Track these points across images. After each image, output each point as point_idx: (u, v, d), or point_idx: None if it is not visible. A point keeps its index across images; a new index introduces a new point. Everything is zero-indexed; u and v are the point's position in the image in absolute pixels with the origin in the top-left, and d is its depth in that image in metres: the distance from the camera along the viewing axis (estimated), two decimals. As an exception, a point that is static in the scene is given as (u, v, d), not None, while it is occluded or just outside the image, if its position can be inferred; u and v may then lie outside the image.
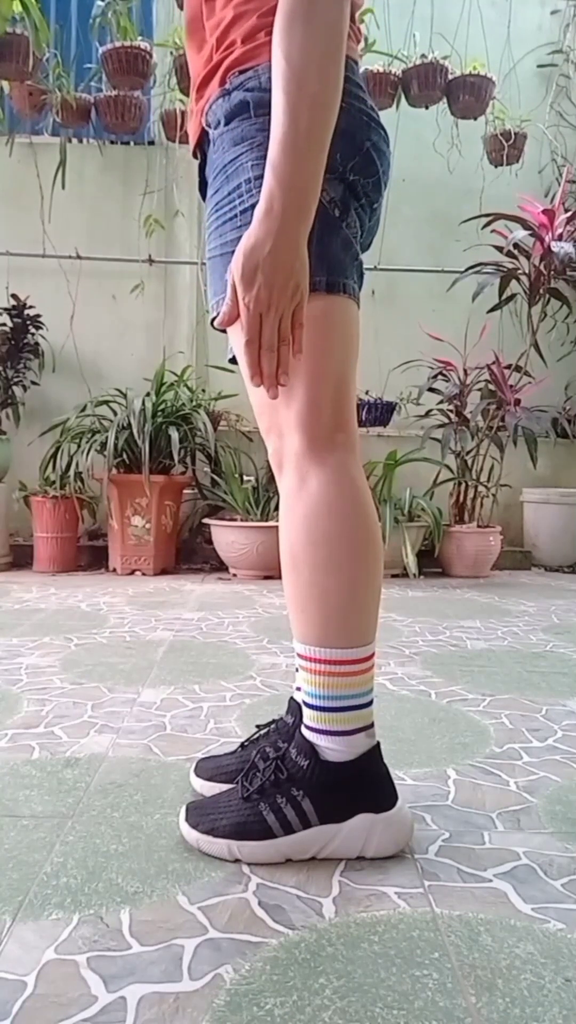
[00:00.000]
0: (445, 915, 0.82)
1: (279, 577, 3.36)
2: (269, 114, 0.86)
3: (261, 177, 0.88)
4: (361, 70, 0.99)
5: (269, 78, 0.87)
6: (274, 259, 0.83)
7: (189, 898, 0.84)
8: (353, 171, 0.94)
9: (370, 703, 0.96)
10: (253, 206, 0.89)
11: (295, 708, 1.02)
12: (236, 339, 0.97)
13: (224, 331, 1.00)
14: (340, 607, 0.93)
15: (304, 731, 0.95)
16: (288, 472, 0.96)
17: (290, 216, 0.83)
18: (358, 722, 0.94)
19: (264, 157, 0.87)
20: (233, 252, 0.91)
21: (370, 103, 0.97)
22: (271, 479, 3.57)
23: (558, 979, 0.71)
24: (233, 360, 1.07)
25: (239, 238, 0.90)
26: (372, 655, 0.96)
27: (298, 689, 1.01)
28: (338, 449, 0.95)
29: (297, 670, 0.98)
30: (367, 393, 3.90)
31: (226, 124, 0.95)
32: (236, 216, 0.93)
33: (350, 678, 0.93)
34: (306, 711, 0.95)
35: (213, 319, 0.99)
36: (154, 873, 0.89)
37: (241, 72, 0.94)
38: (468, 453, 3.61)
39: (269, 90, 0.86)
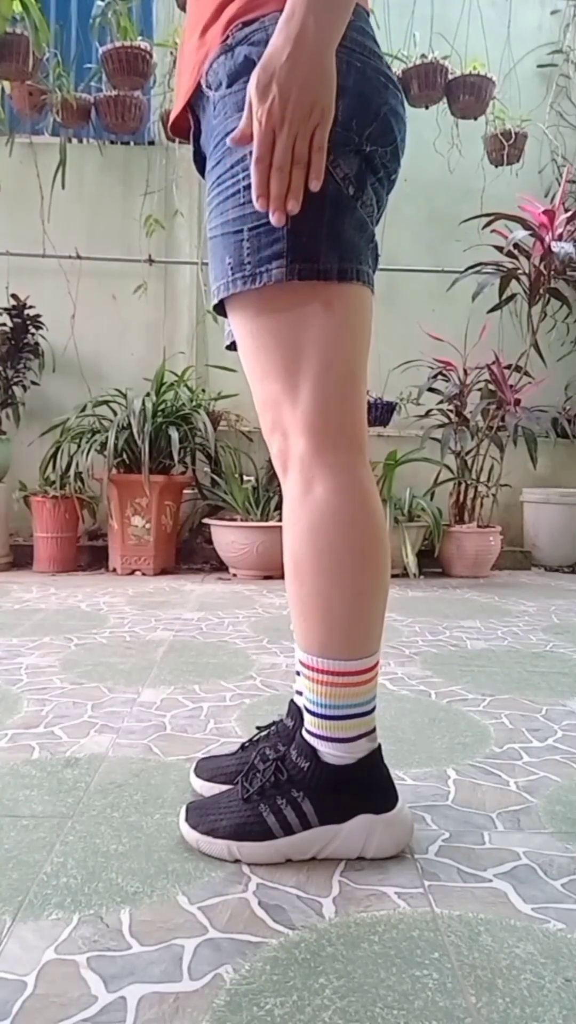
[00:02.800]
0: (445, 915, 0.82)
1: (279, 577, 3.37)
2: None
3: None
4: None
5: None
6: (290, 69, 0.76)
7: (189, 898, 0.84)
8: (370, 140, 0.85)
9: (372, 710, 0.95)
10: None
11: (295, 711, 1.02)
12: (235, 319, 0.92)
13: (224, 315, 0.95)
14: (344, 618, 0.90)
15: (305, 735, 0.95)
16: (293, 475, 0.91)
17: (310, 23, 0.75)
18: (360, 729, 0.93)
19: None
20: (236, 232, 0.86)
21: (385, 61, 0.88)
22: (271, 479, 3.57)
23: (558, 979, 0.71)
24: (231, 347, 1.03)
25: (242, 216, 0.85)
26: (376, 664, 0.94)
27: (299, 693, 1.01)
28: (346, 451, 0.90)
29: (298, 673, 0.98)
30: (368, 393, 3.90)
31: (228, 86, 0.86)
32: (239, 192, 0.86)
33: (353, 688, 0.92)
34: (307, 717, 0.94)
35: (215, 306, 0.94)
36: (154, 873, 0.89)
37: (245, 24, 0.84)
38: (468, 453, 3.61)
39: None
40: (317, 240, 0.84)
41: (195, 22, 0.92)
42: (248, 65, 0.84)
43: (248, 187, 0.84)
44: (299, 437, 0.90)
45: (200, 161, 0.99)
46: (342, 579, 0.90)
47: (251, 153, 0.82)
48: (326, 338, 0.87)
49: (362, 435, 0.93)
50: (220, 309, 0.95)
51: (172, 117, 1.00)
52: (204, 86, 0.91)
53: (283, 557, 0.95)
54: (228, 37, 0.86)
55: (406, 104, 0.92)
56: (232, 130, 0.85)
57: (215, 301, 0.94)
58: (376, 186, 0.89)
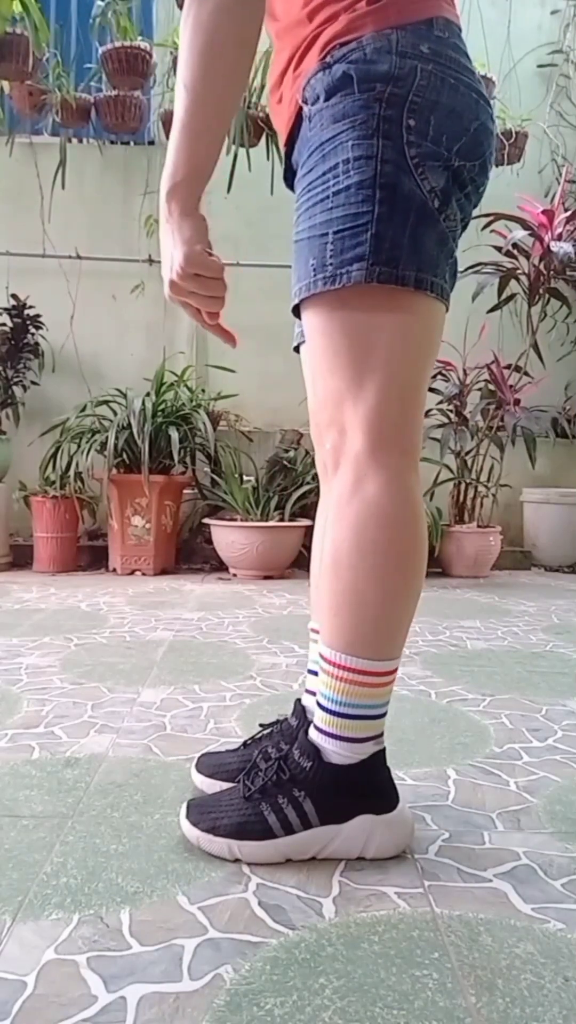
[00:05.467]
0: (445, 915, 0.82)
1: (279, 577, 3.37)
2: (373, 90, 0.85)
3: (361, 158, 0.85)
4: None
5: (375, 49, 0.85)
6: None
7: (189, 898, 0.84)
8: (459, 155, 0.88)
9: (384, 713, 0.95)
10: (348, 187, 0.86)
11: (300, 711, 1.02)
12: (310, 318, 0.94)
13: (299, 316, 0.98)
14: (376, 618, 0.91)
15: (312, 732, 0.95)
16: (344, 471, 0.93)
17: None
18: (370, 731, 0.93)
19: (366, 137, 0.85)
20: (321, 235, 0.89)
21: (477, 75, 0.91)
22: (271, 479, 3.56)
23: (558, 979, 0.71)
24: (297, 348, 1.05)
25: (329, 220, 0.88)
26: (396, 669, 0.95)
27: (309, 692, 1.01)
28: (400, 455, 0.92)
29: (312, 672, 0.98)
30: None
31: (326, 100, 0.90)
32: (328, 197, 0.89)
33: (371, 689, 0.92)
34: (319, 713, 0.94)
35: (295, 306, 0.96)
36: (154, 873, 0.89)
37: (343, 44, 0.89)
38: (468, 453, 3.61)
39: (375, 62, 0.85)
40: (399, 247, 0.87)
41: (287, 59, 0.97)
42: (345, 80, 0.88)
43: (337, 192, 0.88)
44: (357, 433, 0.91)
45: (289, 178, 1.04)
46: (380, 579, 0.91)
47: (344, 160, 0.87)
48: (396, 343, 0.90)
49: (417, 443, 0.94)
50: (295, 310, 0.98)
51: (283, 145, 1.04)
52: (301, 102, 0.94)
53: (318, 551, 0.95)
54: (327, 56, 0.90)
55: (495, 118, 0.96)
56: (327, 139, 0.89)
57: (295, 301, 0.96)
58: (463, 201, 0.92)
